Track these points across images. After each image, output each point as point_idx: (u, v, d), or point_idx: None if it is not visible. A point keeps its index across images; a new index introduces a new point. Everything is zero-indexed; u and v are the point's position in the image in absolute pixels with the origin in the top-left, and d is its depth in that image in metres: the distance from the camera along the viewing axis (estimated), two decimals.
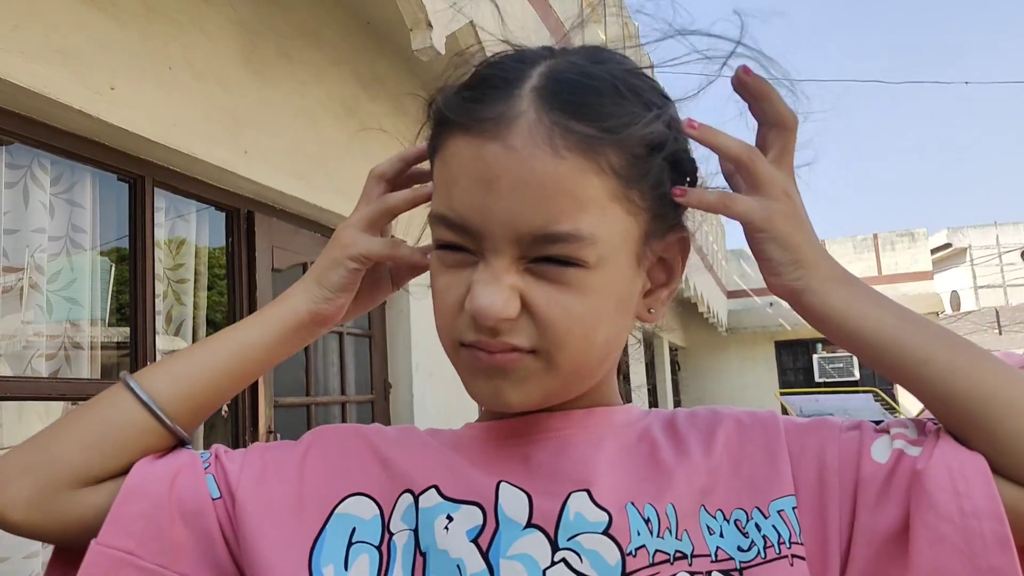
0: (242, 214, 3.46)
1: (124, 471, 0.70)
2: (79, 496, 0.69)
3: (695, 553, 0.63)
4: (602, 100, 0.60)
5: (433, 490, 0.68)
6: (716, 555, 0.64)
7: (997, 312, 22.56)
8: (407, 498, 0.69)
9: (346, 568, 0.66)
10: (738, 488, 0.67)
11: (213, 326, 3.54)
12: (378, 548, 0.67)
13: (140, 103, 2.69)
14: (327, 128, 3.80)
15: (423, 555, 0.66)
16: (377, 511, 0.69)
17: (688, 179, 0.68)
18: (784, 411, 6.41)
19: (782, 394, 6.45)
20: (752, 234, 0.65)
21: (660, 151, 0.63)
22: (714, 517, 0.65)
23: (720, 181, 0.70)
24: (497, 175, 0.59)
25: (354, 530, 0.68)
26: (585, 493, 0.65)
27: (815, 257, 0.65)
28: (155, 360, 2.88)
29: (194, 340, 3.37)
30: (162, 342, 3.07)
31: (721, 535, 0.64)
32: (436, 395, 4.59)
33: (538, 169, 0.58)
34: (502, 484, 0.67)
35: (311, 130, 3.67)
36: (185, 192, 3.15)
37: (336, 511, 0.69)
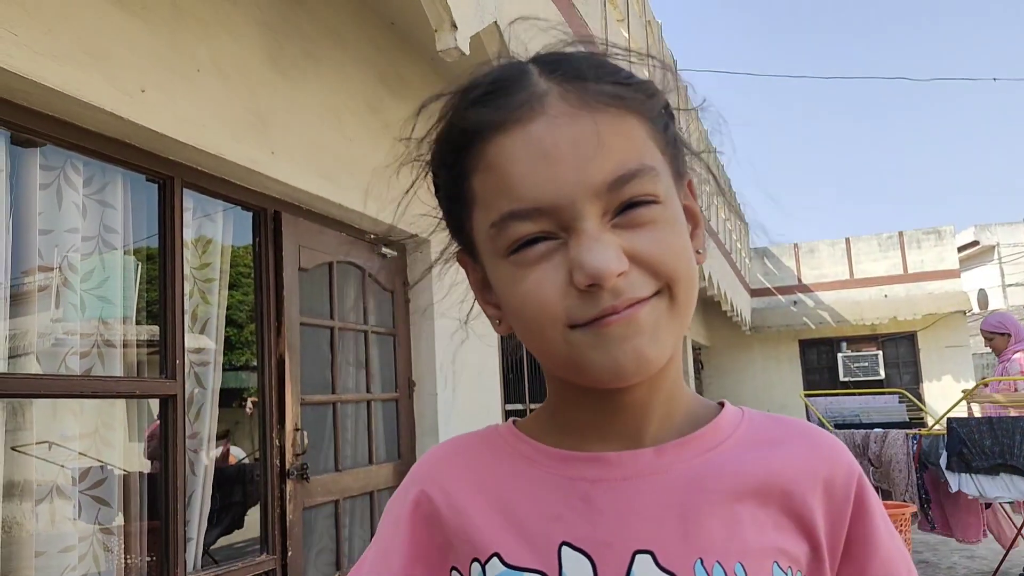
0: (269, 214, 3.49)
1: None
2: None
3: None
4: (597, 64, 0.66)
5: (496, 559, 0.67)
6: None
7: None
8: (476, 568, 0.69)
9: None
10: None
11: (236, 326, 3.58)
12: None
13: (169, 105, 2.73)
14: (352, 128, 3.83)
15: None
16: None
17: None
18: (808, 413, 6.37)
19: (807, 395, 6.39)
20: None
21: (657, 99, 0.68)
22: (785, 573, 0.65)
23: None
24: (554, 144, 0.61)
25: None
26: (649, 556, 0.64)
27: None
28: (183, 359, 2.92)
29: (219, 339, 3.41)
30: (188, 340, 3.11)
31: None
32: (460, 393, 4.60)
33: (587, 124, 0.62)
34: (564, 548, 0.66)
35: (336, 130, 3.70)
36: (213, 192, 3.19)
37: None
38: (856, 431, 5.52)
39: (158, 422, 2.99)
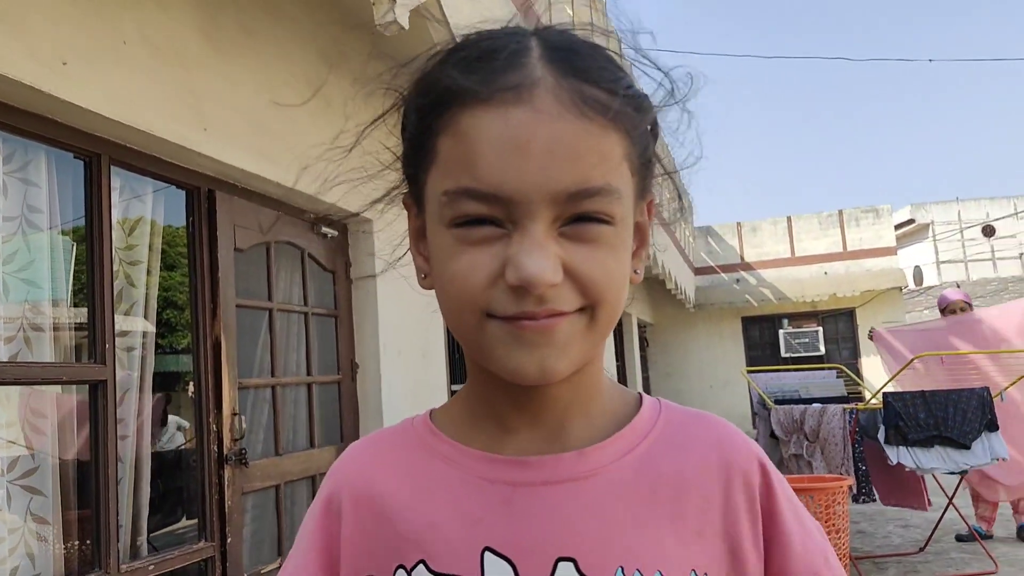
0: (202, 192, 3.39)
1: None
2: None
3: None
4: (602, 65, 0.64)
5: (422, 566, 0.67)
6: None
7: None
8: (402, 575, 0.68)
9: None
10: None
11: (176, 307, 3.48)
12: None
13: (94, 78, 2.61)
14: (290, 103, 3.73)
15: None
16: None
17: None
18: (749, 389, 6.47)
19: (749, 371, 6.49)
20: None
21: (647, 114, 0.67)
22: None
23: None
24: (528, 139, 0.60)
25: None
26: (572, 564, 0.64)
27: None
28: (113, 344, 2.82)
29: (151, 322, 3.31)
30: (118, 323, 3.01)
31: None
32: (405, 375, 4.56)
33: (568, 129, 0.60)
34: (487, 554, 0.66)
35: (273, 107, 3.60)
36: (143, 170, 3.07)
37: None
38: (795, 406, 5.61)
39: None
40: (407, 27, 2.95)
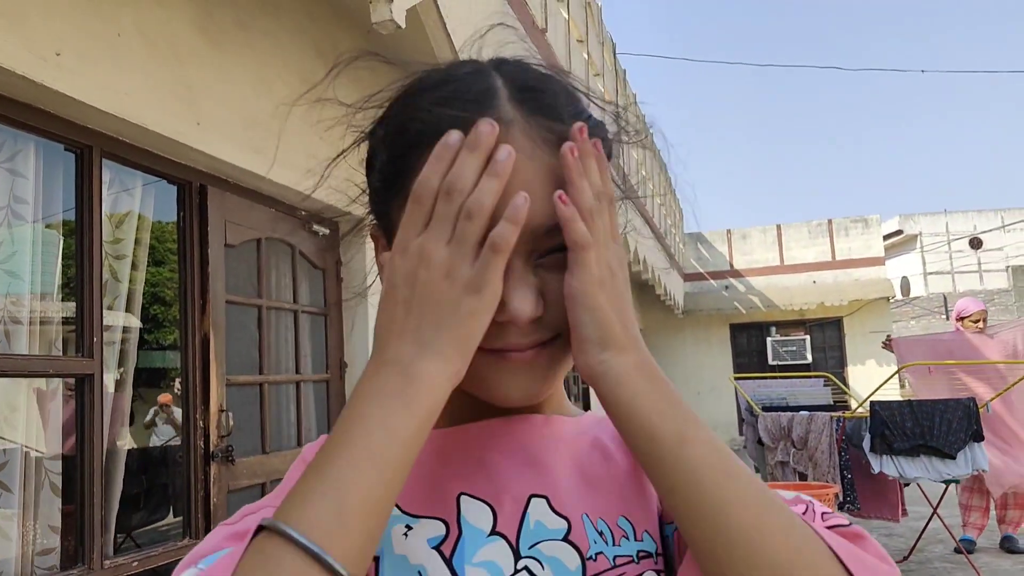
0: (194, 187, 3.37)
1: None
2: None
3: (659, 552, 0.66)
4: (563, 101, 0.65)
5: (394, 507, 0.65)
6: (673, 564, 0.66)
7: (945, 298, 23.06)
8: None
9: None
10: None
11: (163, 303, 3.45)
12: None
13: (88, 70, 2.60)
14: (283, 100, 3.71)
15: (375, 559, 0.64)
16: None
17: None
18: (737, 396, 6.48)
19: (736, 378, 6.51)
20: (576, 299, 0.62)
21: (607, 142, 0.68)
22: (666, 524, 0.68)
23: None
24: (507, 181, 0.60)
25: None
26: (544, 500, 0.66)
27: (627, 342, 0.62)
28: (101, 337, 2.80)
29: (142, 316, 3.28)
30: (106, 318, 2.99)
31: (671, 547, 0.67)
32: None
33: (542, 168, 0.61)
34: (463, 496, 0.67)
35: (267, 102, 3.58)
36: (134, 164, 3.05)
37: None
38: (782, 414, 5.63)
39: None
40: (404, 26, 2.94)
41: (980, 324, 6.04)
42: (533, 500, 0.66)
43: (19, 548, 2.79)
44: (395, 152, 0.66)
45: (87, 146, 2.79)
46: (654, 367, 0.63)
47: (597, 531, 0.65)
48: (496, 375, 0.65)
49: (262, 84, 3.56)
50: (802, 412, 5.61)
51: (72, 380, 2.89)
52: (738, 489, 0.57)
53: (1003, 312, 20.67)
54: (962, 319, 6.15)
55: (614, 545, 0.65)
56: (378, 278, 0.71)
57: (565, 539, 0.65)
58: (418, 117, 0.64)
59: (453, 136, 0.60)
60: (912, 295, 24.54)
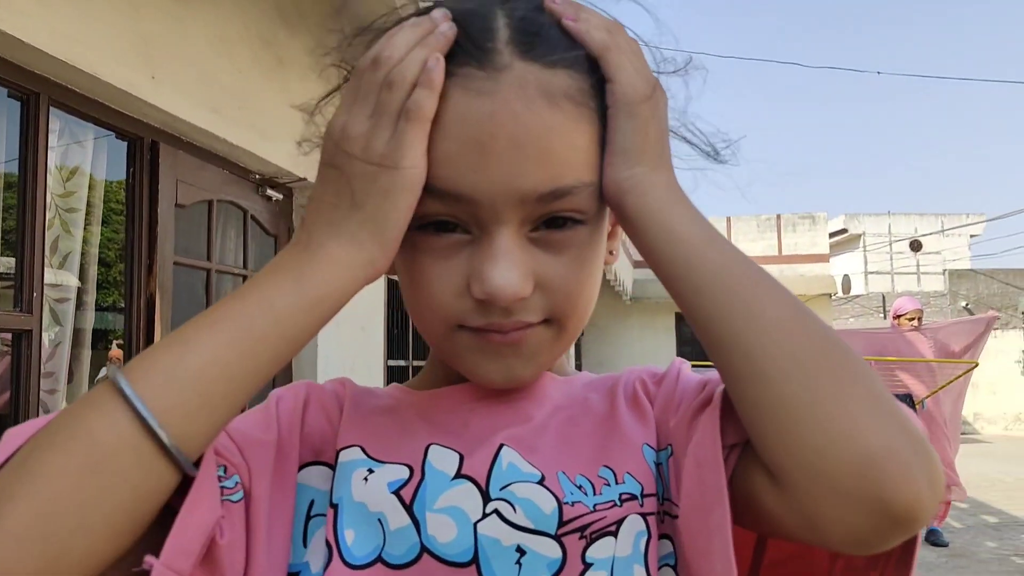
0: (146, 143, 3.25)
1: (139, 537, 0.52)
2: None
3: (645, 492, 0.61)
4: (567, 47, 0.58)
5: (357, 448, 0.63)
6: (663, 496, 0.62)
7: (884, 297, 23.63)
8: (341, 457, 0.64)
9: (305, 545, 0.61)
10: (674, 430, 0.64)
11: (104, 264, 3.34)
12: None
13: (40, 13, 2.48)
14: (243, 60, 3.61)
15: (334, 506, 0.60)
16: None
17: None
18: None
19: (693, 366, 6.58)
20: (619, 106, 0.58)
21: (602, 83, 0.60)
22: (657, 452, 0.64)
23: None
24: (493, 134, 0.55)
25: (312, 503, 0.63)
26: (516, 452, 0.62)
27: (659, 161, 0.60)
28: (41, 293, 2.70)
29: (82, 275, 3.17)
30: (49, 275, 2.88)
31: (666, 476, 0.63)
32: (342, 347, 4.48)
33: (537, 123, 0.55)
34: (432, 446, 0.63)
35: (226, 61, 3.47)
36: (84, 115, 2.93)
37: (298, 479, 0.63)
38: (684, 361, 5.71)
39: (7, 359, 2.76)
40: None
41: (915, 322, 6.20)
42: (505, 447, 0.62)
43: None
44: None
45: (34, 93, 2.67)
46: (681, 190, 0.60)
47: (575, 485, 0.61)
48: (475, 356, 0.61)
49: (221, 42, 3.45)
50: None
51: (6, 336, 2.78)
52: (768, 284, 0.55)
53: (938, 314, 21.28)
54: (898, 317, 6.31)
55: (595, 495, 0.61)
56: None
57: (540, 483, 0.60)
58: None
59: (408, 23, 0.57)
60: (852, 293, 25.11)
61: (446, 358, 0.65)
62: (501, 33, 0.57)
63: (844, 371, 0.51)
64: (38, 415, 2.66)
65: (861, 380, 0.51)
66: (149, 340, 3.22)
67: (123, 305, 3.27)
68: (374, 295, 5.03)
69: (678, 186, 0.61)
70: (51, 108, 2.74)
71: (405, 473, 0.61)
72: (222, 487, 0.57)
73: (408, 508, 0.60)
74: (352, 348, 4.64)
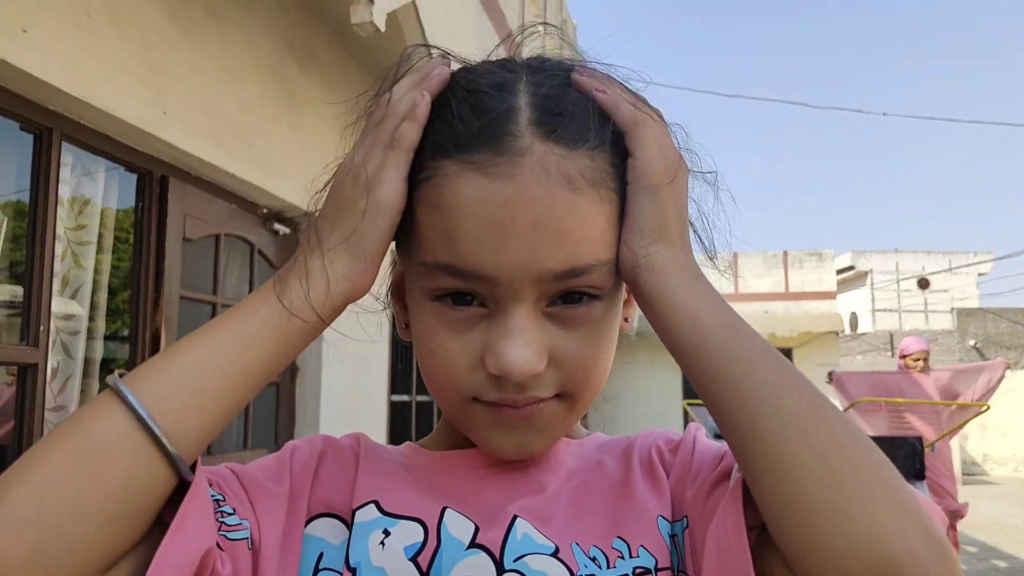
0: (155, 178, 3.28)
1: (140, 538, 0.54)
2: None
3: (659, 567, 0.61)
4: (589, 127, 0.59)
5: (372, 505, 0.64)
6: (678, 568, 0.62)
7: (891, 335, 23.53)
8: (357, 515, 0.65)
9: None
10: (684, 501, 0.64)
11: (112, 293, 3.35)
12: None
13: (53, 50, 2.51)
14: (253, 96, 3.65)
15: (352, 570, 0.61)
16: (347, 535, 0.64)
17: None
18: (686, 419, 6.51)
19: (689, 403, 6.54)
20: (640, 183, 0.60)
21: (624, 160, 0.61)
22: (672, 524, 0.64)
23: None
24: (513, 217, 0.56)
25: (321, 555, 0.63)
26: (530, 524, 0.63)
27: (677, 239, 0.60)
28: (48, 326, 2.70)
29: (92, 306, 3.18)
30: (57, 304, 2.88)
31: (681, 547, 0.62)
32: (345, 380, 4.47)
33: (556, 207, 0.56)
34: (448, 509, 0.63)
35: (236, 96, 3.51)
36: (95, 149, 2.96)
37: (305, 531, 0.64)
38: (700, 428, 5.67)
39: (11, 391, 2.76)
40: (383, 29, 2.91)
41: (921, 363, 6.15)
42: (519, 520, 0.62)
43: None
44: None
45: (47, 128, 2.70)
46: (698, 268, 0.60)
47: (589, 557, 0.60)
48: (489, 429, 0.62)
49: (231, 77, 3.49)
50: None
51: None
52: (788, 375, 0.54)
53: (946, 352, 21.16)
54: (904, 357, 6.27)
55: (608, 568, 0.60)
56: None
57: (554, 556, 0.60)
58: (433, 126, 0.60)
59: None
60: (860, 331, 25.01)
61: (460, 427, 0.66)
62: (523, 113, 0.58)
63: (865, 468, 0.50)
64: None
65: (882, 477, 0.50)
66: None
67: (126, 333, 3.27)
68: (377, 330, 5.03)
69: (696, 265, 0.61)
70: (63, 143, 2.77)
71: (420, 535, 0.62)
72: (221, 521, 0.58)
73: (425, 575, 0.61)
74: (355, 382, 4.63)
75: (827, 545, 0.49)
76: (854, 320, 24.28)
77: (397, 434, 5.25)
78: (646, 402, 16.07)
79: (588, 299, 0.60)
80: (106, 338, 3.29)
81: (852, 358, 21.91)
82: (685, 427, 0.72)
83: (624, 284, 0.65)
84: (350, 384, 4.54)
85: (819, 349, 15.91)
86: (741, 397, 0.54)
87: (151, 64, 2.97)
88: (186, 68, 3.17)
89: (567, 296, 0.60)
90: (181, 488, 0.55)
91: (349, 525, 0.63)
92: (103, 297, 3.24)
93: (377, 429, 4.91)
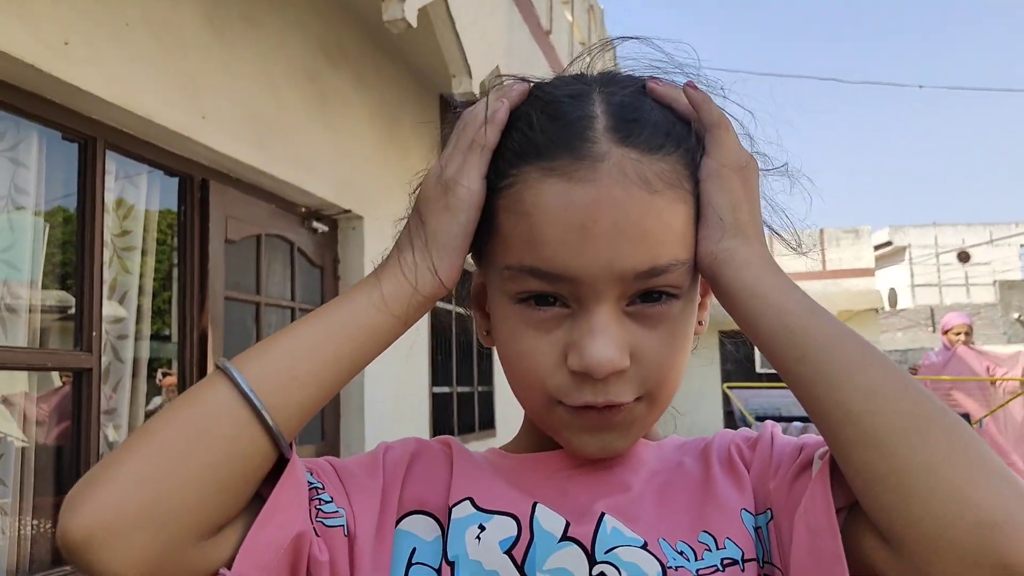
0: (196, 181, 3.33)
1: (241, 509, 0.59)
2: (202, 550, 0.56)
3: (745, 558, 0.62)
4: (663, 132, 0.62)
5: (467, 501, 0.66)
6: (764, 559, 0.63)
7: (932, 310, 23.20)
8: (453, 512, 0.67)
9: None
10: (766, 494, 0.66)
11: (155, 296, 3.41)
12: (437, 571, 0.64)
13: (95, 61, 2.56)
14: (288, 96, 3.69)
15: (451, 563, 0.64)
16: (439, 532, 0.67)
17: None
18: (727, 402, 6.49)
19: (731, 387, 6.51)
20: (714, 180, 0.63)
21: (696, 163, 0.64)
22: (755, 517, 0.65)
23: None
24: (595, 219, 0.58)
25: (414, 550, 0.66)
26: (618, 521, 0.64)
27: (753, 233, 0.63)
28: (99, 327, 2.77)
29: (139, 310, 3.24)
30: (106, 308, 2.95)
31: (766, 540, 0.64)
32: (387, 375, 4.52)
33: (635, 208, 0.58)
34: (539, 504, 0.65)
35: (272, 98, 3.55)
36: (138, 156, 3.02)
37: (398, 527, 0.67)
38: (776, 424, 5.63)
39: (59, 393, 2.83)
40: (415, 25, 2.93)
41: (962, 337, 6.07)
42: (607, 516, 0.64)
43: (19, 541, 2.75)
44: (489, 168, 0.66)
45: (91, 137, 2.76)
46: (775, 261, 0.63)
47: (676, 551, 0.62)
48: (571, 430, 0.64)
49: (267, 80, 3.53)
50: (796, 423, 5.61)
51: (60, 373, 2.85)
52: (872, 352, 0.56)
53: (989, 326, 20.83)
54: (947, 332, 6.20)
55: (696, 560, 0.62)
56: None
57: (643, 548, 0.62)
58: (513, 136, 0.64)
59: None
60: (899, 307, 24.68)
61: (544, 428, 0.68)
62: (599, 121, 0.61)
63: (956, 435, 0.52)
64: (99, 452, 2.72)
65: (973, 444, 0.51)
66: (202, 373, 3.28)
67: (167, 333, 3.33)
68: (419, 323, 5.06)
69: (772, 258, 0.63)
70: (107, 151, 2.83)
71: (513, 529, 0.64)
72: (319, 509, 0.62)
73: (520, 568, 0.62)
74: (398, 376, 4.68)
75: (926, 512, 0.50)
76: (893, 296, 23.96)
77: (439, 425, 5.29)
78: (687, 385, 15.82)
79: (667, 298, 0.62)
80: (151, 339, 3.35)
81: (893, 335, 21.64)
82: (725, 410, 0.74)
83: (699, 286, 0.67)
84: (393, 377, 4.58)
85: (859, 327, 15.68)
86: (829, 374, 0.56)
87: (189, 70, 3.02)
88: (223, 73, 3.22)
89: (646, 295, 0.61)
90: (280, 471, 0.60)
91: (441, 522, 0.66)
92: (148, 299, 3.31)
93: (420, 420, 4.96)
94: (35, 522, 2.79)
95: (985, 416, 5.35)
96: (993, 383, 5.70)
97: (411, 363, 4.89)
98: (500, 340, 0.67)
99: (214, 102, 3.15)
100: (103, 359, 2.85)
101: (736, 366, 16.68)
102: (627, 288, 0.60)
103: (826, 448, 0.59)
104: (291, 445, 0.61)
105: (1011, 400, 5.35)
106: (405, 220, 0.68)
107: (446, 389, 5.66)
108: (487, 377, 6.51)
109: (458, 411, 5.83)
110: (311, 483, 0.63)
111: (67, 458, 2.77)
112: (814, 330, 0.58)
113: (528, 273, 0.61)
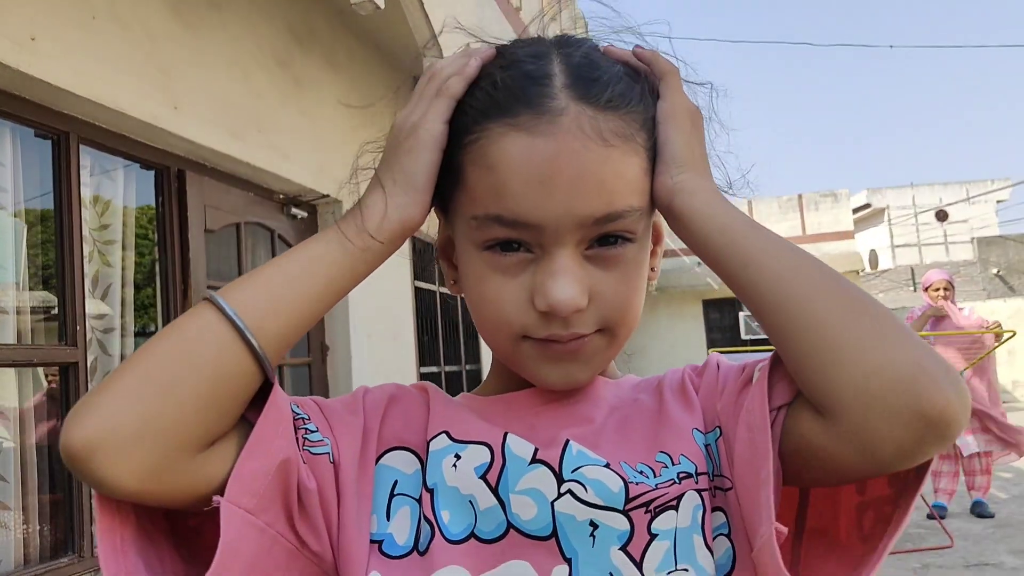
0: (172, 172, 3.33)
1: (230, 427, 0.64)
2: (195, 464, 0.62)
3: (699, 471, 0.68)
4: (620, 88, 0.67)
5: (444, 435, 0.71)
6: (714, 473, 0.69)
7: (912, 270, 23.40)
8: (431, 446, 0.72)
9: (388, 519, 0.69)
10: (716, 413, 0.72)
11: (138, 289, 3.42)
12: (418, 500, 0.70)
13: (63, 55, 2.56)
14: (260, 82, 3.68)
15: (430, 491, 0.69)
16: (419, 465, 0.72)
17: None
18: None
19: (717, 351, 6.58)
20: (670, 121, 0.69)
21: (654, 119, 0.70)
22: (705, 435, 0.71)
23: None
24: (555, 171, 0.63)
25: (396, 483, 0.71)
26: (582, 446, 0.69)
27: (703, 168, 0.70)
28: (83, 322, 2.78)
29: (122, 303, 3.25)
30: (89, 305, 2.95)
31: (715, 455, 0.70)
32: (375, 357, 4.55)
33: (592, 160, 0.64)
34: (509, 434, 0.70)
35: (243, 85, 3.55)
36: (112, 149, 3.01)
37: (379, 462, 0.72)
38: (721, 355, 5.71)
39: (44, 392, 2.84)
40: (383, 6, 2.93)
41: (941, 293, 6.15)
42: (571, 443, 0.69)
43: (15, 535, 2.77)
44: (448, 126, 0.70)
45: (64, 132, 2.75)
46: (721, 192, 0.70)
47: (637, 471, 0.68)
48: (538, 363, 0.69)
49: (237, 67, 3.52)
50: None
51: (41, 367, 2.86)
52: (805, 253, 0.65)
53: (969, 283, 21.04)
54: (927, 289, 6.29)
55: (655, 476, 0.68)
56: None
57: (607, 467, 0.67)
58: (470, 103, 0.68)
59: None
60: (880, 268, 24.87)
61: (511, 365, 0.73)
62: (558, 79, 0.66)
63: (878, 312, 0.61)
64: None
65: (891, 319, 0.61)
66: None
67: (153, 329, 3.34)
68: (404, 305, 5.09)
69: (718, 190, 0.71)
70: (80, 145, 2.82)
71: (487, 456, 0.69)
72: (306, 438, 0.68)
73: (494, 490, 0.68)
74: (385, 357, 4.70)
75: (857, 372, 0.58)
76: (874, 258, 24.12)
77: None
78: (672, 354, 16.10)
79: (622, 242, 0.67)
80: (136, 334, 3.36)
81: (875, 296, 21.80)
82: None
83: (650, 234, 0.73)
84: (380, 359, 4.61)
85: None
86: (772, 272, 0.64)
87: (158, 61, 3.01)
88: (192, 62, 3.21)
89: (603, 240, 0.67)
90: (264, 399, 0.65)
91: (421, 456, 0.72)
92: (130, 293, 3.31)
93: None
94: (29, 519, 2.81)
95: (966, 368, 5.44)
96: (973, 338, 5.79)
97: (398, 345, 4.91)
98: (468, 286, 0.71)
99: (186, 92, 3.14)
100: (89, 354, 2.86)
101: (721, 334, 16.82)
102: (586, 233, 0.65)
103: (764, 363, 0.67)
104: (274, 371, 0.66)
105: (991, 352, 5.43)
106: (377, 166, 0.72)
107: (434, 369, 5.69)
108: (474, 355, 6.54)
109: (446, 390, 5.85)
110: (297, 414, 0.69)
111: (52, 454, 2.78)
112: (756, 240, 0.66)
113: (494, 221, 0.66)
